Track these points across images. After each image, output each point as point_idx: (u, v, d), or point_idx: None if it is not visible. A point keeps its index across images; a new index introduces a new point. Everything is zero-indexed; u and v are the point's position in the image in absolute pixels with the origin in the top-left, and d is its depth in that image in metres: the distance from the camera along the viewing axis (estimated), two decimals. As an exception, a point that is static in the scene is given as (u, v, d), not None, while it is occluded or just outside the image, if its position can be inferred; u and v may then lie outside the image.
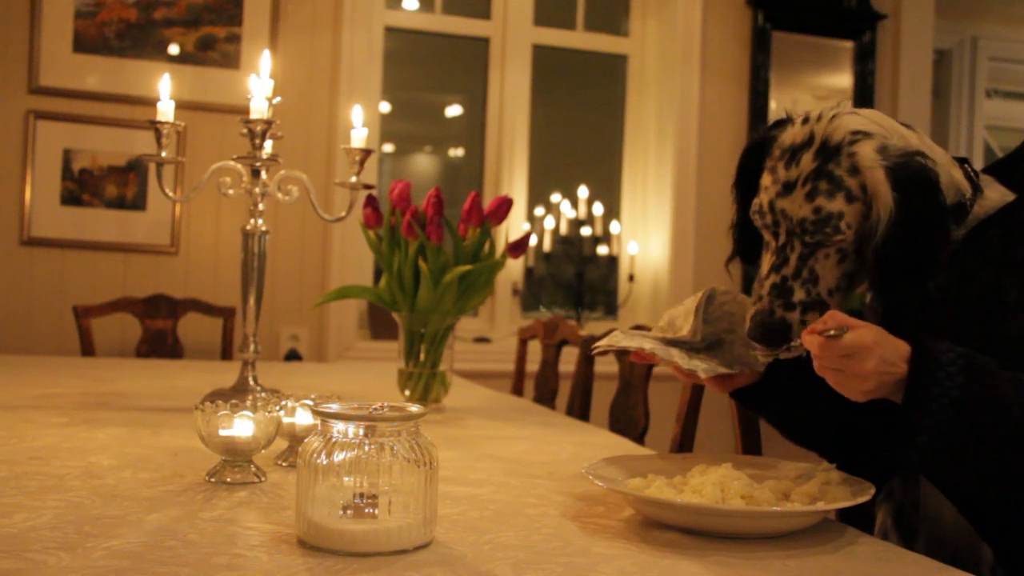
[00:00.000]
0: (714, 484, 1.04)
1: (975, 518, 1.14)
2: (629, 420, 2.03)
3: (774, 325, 1.14)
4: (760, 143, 1.22)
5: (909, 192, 1.09)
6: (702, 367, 1.21)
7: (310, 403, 1.22)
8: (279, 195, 1.80)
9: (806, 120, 1.16)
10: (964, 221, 1.16)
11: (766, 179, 1.17)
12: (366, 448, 0.89)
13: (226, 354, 3.11)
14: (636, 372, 2.05)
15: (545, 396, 2.56)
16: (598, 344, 1.27)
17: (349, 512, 0.89)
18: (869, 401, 1.07)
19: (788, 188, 1.14)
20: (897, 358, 1.02)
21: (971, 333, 1.09)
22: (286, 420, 1.25)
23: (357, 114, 1.84)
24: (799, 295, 1.14)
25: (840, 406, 1.16)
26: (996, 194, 1.19)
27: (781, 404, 1.29)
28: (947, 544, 1.20)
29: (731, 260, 1.32)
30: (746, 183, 1.24)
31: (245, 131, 1.68)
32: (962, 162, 1.19)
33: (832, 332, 1.01)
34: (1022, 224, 1.14)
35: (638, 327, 1.38)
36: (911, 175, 1.09)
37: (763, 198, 1.16)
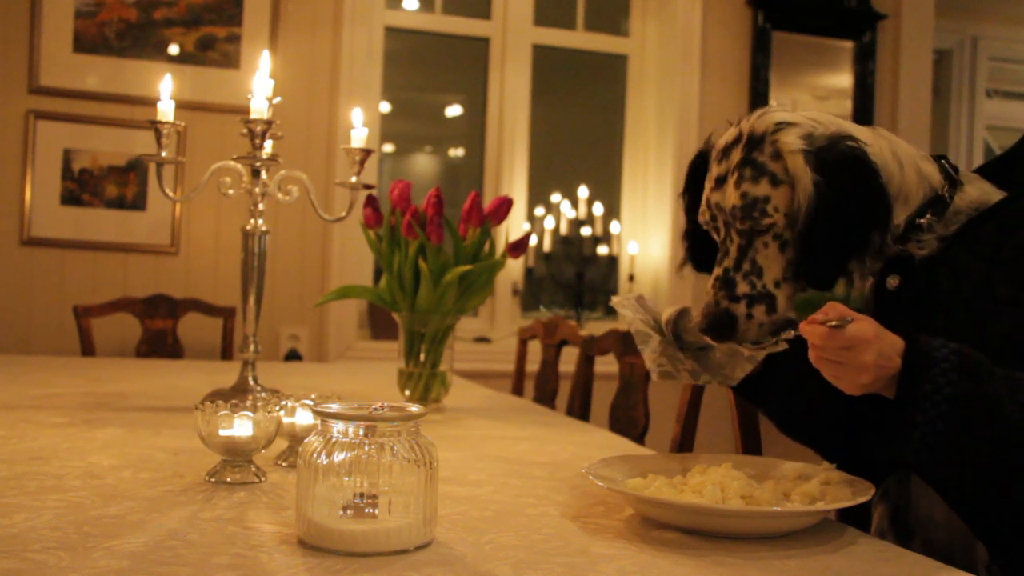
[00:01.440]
0: (714, 484, 1.04)
1: (969, 516, 1.14)
2: (629, 420, 2.03)
3: (720, 316, 1.18)
4: (704, 152, 1.28)
5: (835, 174, 1.12)
6: (688, 370, 1.25)
7: (310, 403, 1.22)
8: (279, 195, 1.80)
9: (739, 123, 1.22)
10: (944, 214, 1.18)
11: (706, 181, 1.23)
12: (366, 448, 0.89)
13: (226, 354, 3.11)
14: (636, 372, 2.05)
15: (545, 396, 2.57)
16: (616, 298, 1.30)
17: (349, 512, 0.89)
18: (866, 396, 1.07)
19: (720, 182, 1.20)
20: (893, 352, 1.02)
21: (962, 330, 1.09)
22: (286, 420, 1.25)
23: (357, 115, 1.84)
24: (743, 288, 1.18)
25: (839, 401, 1.16)
26: (976, 191, 1.21)
27: (781, 398, 1.30)
28: (941, 545, 1.20)
29: (682, 266, 1.36)
30: (694, 192, 1.29)
31: (245, 131, 1.68)
32: (938, 159, 1.23)
33: (834, 323, 1.01)
34: (1013, 221, 1.15)
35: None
36: (836, 157, 1.13)
37: (703, 197, 1.22)
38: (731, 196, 1.17)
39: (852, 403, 1.15)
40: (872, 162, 1.14)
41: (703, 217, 1.23)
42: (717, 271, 1.20)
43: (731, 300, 1.18)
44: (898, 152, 1.19)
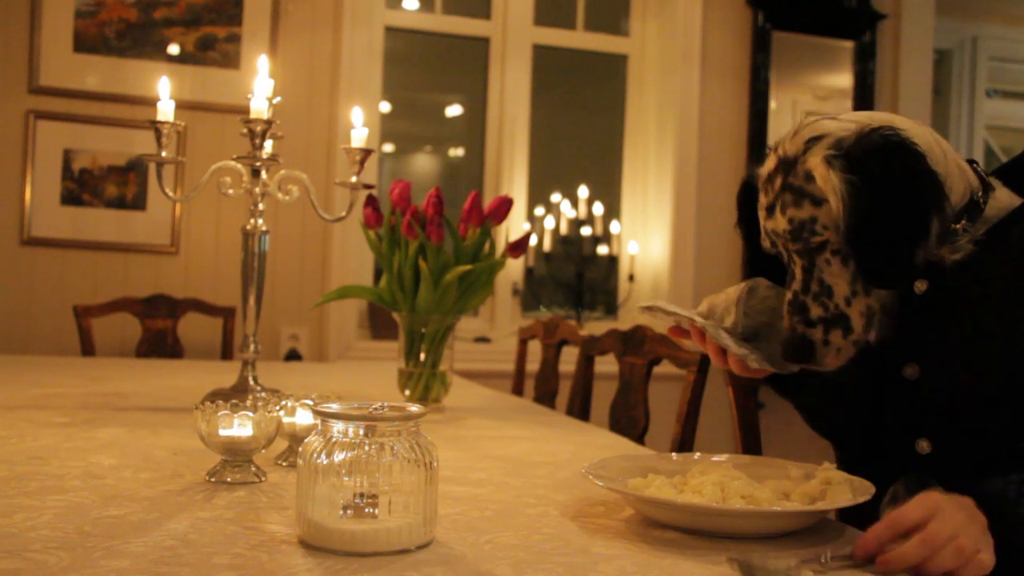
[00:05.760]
0: (714, 484, 1.04)
1: None
2: (629, 420, 2.03)
3: (797, 342, 1.16)
4: (748, 181, 1.29)
5: (868, 168, 1.09)
6: (753, 356, 1.22)
7: (310, 403, 1.22)
8: (279, 195, 1.80)
9: (776, 147, 1.21)
10: (979, 218, 1.16)
11: (759, 210, 1.23)
12: (366, 448, 0.89)
13: (226, 354, 3.11)
14: (636, 372, 2.05)
15: (545, 396, 2.57)
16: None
17: (349, 512, 0.89)
18: (886, 398, 1.06)
19: (770, 211, 1.19)
20: (969, 509, 0.97)
21: (991, 334, 1.09)
22: (286, 420, 1.25)
23: (357, 115, 1.84)
24: (816, 311, 1.16)
25: (867, 405, 1.16)
26: (1004, 195, 1.20)
27: (816, 394, 1.29)
28: None
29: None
30: (748, 220, 1.29)
31: (245, 131, 1.68)
32: (969, 163, 1.21)
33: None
34: None
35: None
36: (867, 151, 1.10)
37: (761, 226, 1.22)
38: (781, 222, 1.17)
39: (878, 407, 1.14)
40: (910, 142, 1.11)
41: (766, 243, 1.22)
42: (788, 295, 1.19)
43: (807, 325, 1.16)
44: (941, 143, 1.17)
